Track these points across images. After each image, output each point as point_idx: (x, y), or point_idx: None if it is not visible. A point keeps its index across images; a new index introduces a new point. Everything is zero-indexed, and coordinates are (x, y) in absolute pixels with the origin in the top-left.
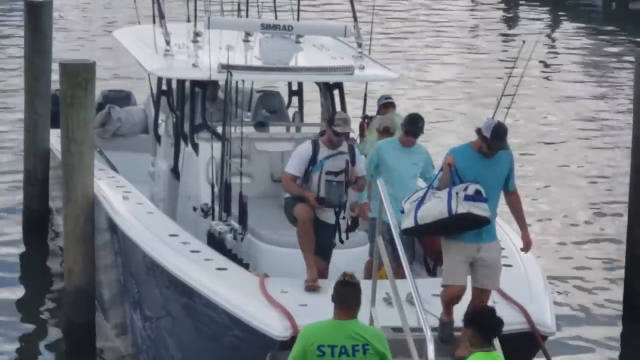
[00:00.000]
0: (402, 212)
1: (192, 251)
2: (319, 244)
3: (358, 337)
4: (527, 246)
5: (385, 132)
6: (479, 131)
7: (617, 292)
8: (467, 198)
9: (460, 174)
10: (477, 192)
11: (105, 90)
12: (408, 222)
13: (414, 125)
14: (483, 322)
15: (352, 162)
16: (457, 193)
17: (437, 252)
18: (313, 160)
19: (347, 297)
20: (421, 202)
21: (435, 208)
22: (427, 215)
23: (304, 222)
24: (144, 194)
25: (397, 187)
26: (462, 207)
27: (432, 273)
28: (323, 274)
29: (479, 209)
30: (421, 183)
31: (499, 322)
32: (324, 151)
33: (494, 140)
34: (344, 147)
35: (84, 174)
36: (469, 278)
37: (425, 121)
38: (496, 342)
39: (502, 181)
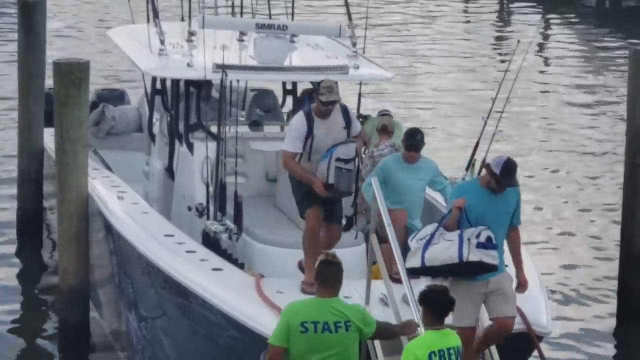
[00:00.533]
0: (408, 249)
1: (188, 251)
2: (328, 210)
3: (340, 314)
4: (523, 287)
5: (384, 130)
6: (487, 167)
7: (612, 291)
8: (479, 246)
9: (467, 212)
10: (489, 239)
11: (99, 89)
12: (414, 262)
13: (412, 139)
14: (434, 300)
15: (347, 123)
16: (469, 239)
17: None
18: (309, 133)
19: (328, 275)
20: (429, 242)
21: (444, 252)
22: (436, 258)
23: (312, 229)
24: (138, 193)
25: (404, 204)
26: (474, 255)
27: None
28: (336, 236)
29: (490, 257)
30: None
31: (451, 301)
32: (318, 122)
33: (504, 177)
34: (338, 113)
35: (78, 173)
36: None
37: (424, 134)
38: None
39: (509, 217)
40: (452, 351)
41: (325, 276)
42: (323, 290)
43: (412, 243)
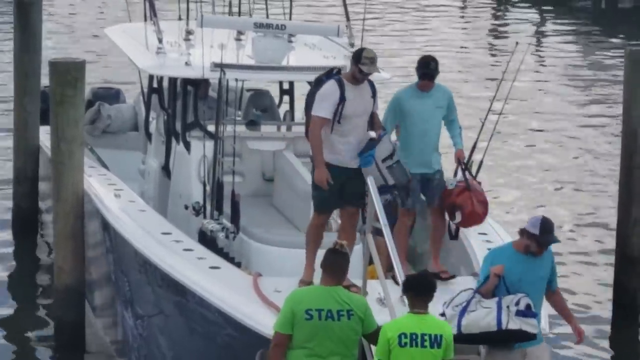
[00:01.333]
0: (443, 315)
1: (185, 249)
2: (348, 193)
3: (344, 302)
4: (580, 336)
5: None
6: (523, 232)
7: (607, 291)
8: (519, 314)
9: (504, 277)
10: (528, 307)
11: (95, 88)
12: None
13: (426, 67)
14: (416, 286)
15: (373, 93)
16: (508, 307)
17: (450, 205)
18: (342, 99)
19: (335, 264)
20: (465, 309)
21: (483, 319)
22: (474, 325)
23: (317, 226)
24: (134, 192)
25: (420, 137)
26: (514, 323)
27: (455, 236)
28: (354, 218)
29: (530, 326)
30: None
31: (431, 287)
32: (350, 87)
33: (544, 235)
34: (366, 82)
35: (74, 172)
36: None
37: (437, 62)
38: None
39: (546, 281)
40: (426, 337)
41: (332, 265)
42: (328, 279)
43: (448, 310)
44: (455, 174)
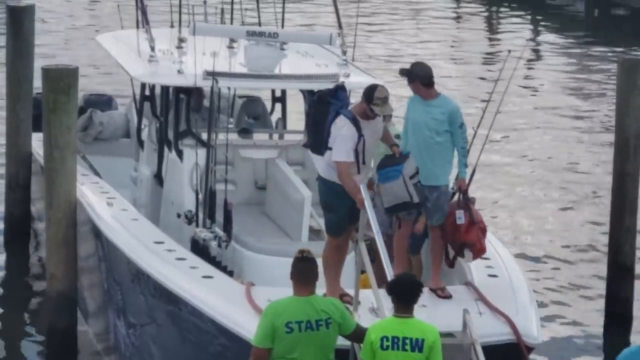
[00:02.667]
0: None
1: (178, 259)
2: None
3: (322, 312)
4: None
5: None
6: None
7: (600, 300)
8: None
9: None
10: None
11: (87, 94)
12: None
13: (423, 74)
14: (398, 290)
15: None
16: None
17: (459, 243)
18: (360, 138)
19: (306, 272)
20: None
21: None
22: None
23: (335, 247)
24: (126, 199)
25: (416, 147)
26: None
27: (452, 264)
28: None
29: None
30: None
31: (413, 292)
32: (364, 124)
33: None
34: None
35: (67, 179)
36: None
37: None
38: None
39: None
40: (407, 341)
41: (302, 273)
42: (301, 288)
43: None
44: (455, 198)
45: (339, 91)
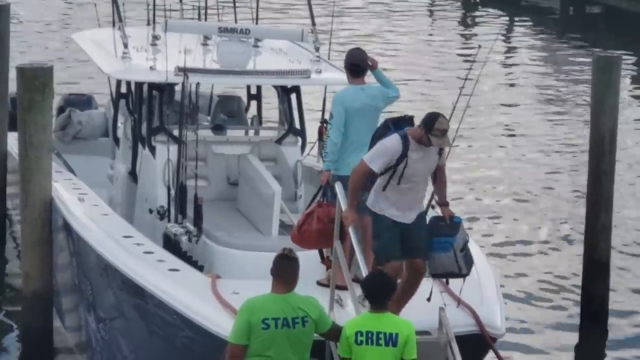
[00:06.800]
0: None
1: (146, 252)
2: (409, 246)
3: (299, 309)
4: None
5: None
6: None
7: (576, 297)
8: None
9: None
10: None
11: (67, 94)
12: None
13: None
14: (370, 287)
15: (440, 149)
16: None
17: None
18: (403, 156)
19: (286, 270)
20: None
21: None
22: None
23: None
24: (103, 198)
25: (359, 131)
26: None
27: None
28: (420, 271)
29: None
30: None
31: (384, 288)
32: (415, 146)
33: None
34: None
35: (42, 179)
36: None
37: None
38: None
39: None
40: (381, 335)
41: (283, 271)
42: (280, 286)
43: None
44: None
45: (401, 122)
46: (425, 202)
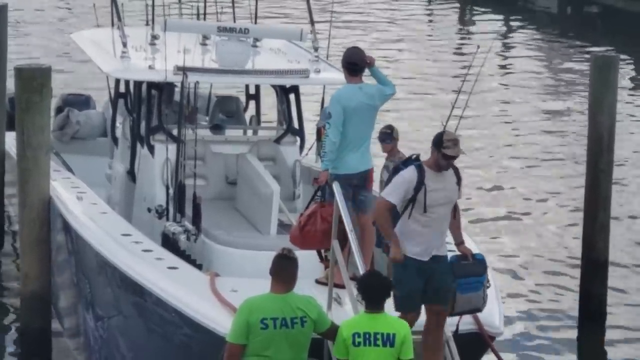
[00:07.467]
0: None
1: (144, 250)
2: (433, 289)
3: (298, 309)
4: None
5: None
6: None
7: (574, 297)
8: None
9: None
10: None
11: (65, 94)
12: None
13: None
14: (365, 287)
15: (458, 179)
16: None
17: None
18: (420, 185)
19: (285, 270)
20: None
21: None
22: None
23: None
24: (101, 197)
25: (357, 130)
26: None
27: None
28: (442, 317)
29: None
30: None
31: (379, 289)
32: (431, 174)
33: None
34: (450, 173)
35: (40, 179)
36: None
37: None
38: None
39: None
40: (379, 336)
41: (282, 271)
42: (278, 286)
43: None
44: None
45: (410, 160)
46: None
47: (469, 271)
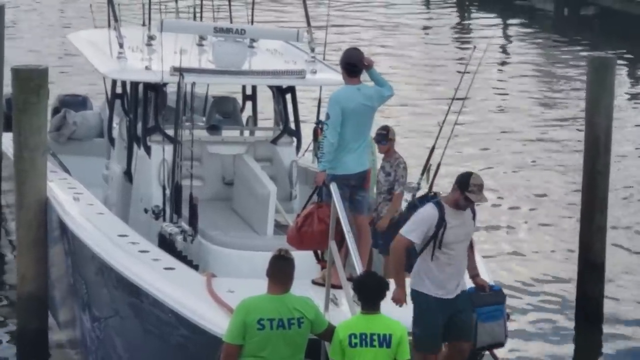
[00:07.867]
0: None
1: (141, 251)
2: (457, 328)
3: (295, 310)
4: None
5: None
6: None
7: (571, 298)
8: None
9: None
10: None
11: (62, 95)
12: None
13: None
14: (362, 288)
15: (474, 213)
16: None
17: None
18: (441, 223)
19: (282, 271)
20: None
21: None
22: None
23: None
24: (98, 197)
25: (355, 131)
26: None
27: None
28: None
29: None
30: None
31: (376, 290)
32: (451, 212)
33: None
34: (467, 210)
35: (37, 180)
36: None
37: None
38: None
39: None
40: (375, 337)
41: (279, 272)
42: (275, 287)
43: None
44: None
45: (426, 198)
46: None
47: (488, 300)
